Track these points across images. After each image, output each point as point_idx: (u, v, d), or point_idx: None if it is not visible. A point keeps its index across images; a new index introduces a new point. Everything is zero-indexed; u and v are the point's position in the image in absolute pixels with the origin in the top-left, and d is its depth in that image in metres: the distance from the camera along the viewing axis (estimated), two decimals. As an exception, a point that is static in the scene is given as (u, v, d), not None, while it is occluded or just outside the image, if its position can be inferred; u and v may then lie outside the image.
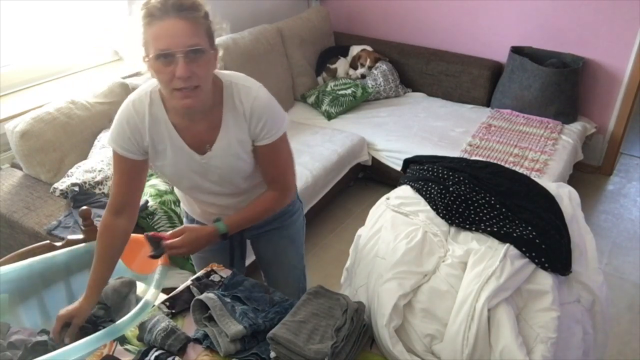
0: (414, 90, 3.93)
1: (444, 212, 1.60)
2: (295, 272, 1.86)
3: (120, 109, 1.41)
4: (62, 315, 1.35)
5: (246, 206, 1.54)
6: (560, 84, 3.35)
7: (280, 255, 1.80)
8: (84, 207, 1.49)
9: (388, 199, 1.74)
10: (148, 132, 1.40)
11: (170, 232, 1.42)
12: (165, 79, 1.26)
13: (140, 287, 1.37)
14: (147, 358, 1.29)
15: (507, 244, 1.46)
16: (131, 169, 1.44)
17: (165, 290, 1.47)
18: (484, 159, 2.90)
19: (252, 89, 1.41)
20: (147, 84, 1.42)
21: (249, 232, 1.70)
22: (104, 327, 1.23)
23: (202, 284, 1.54)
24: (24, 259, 1.40)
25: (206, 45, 1.27)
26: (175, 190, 1.71)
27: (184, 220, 1.81)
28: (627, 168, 3.89)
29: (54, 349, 1.10)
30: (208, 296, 1.39)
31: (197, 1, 1.26)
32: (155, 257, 1.38)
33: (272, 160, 1.49)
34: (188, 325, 1.42)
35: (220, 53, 1.35)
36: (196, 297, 1.41)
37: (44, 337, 1.27)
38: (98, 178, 2.20)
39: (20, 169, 2.42)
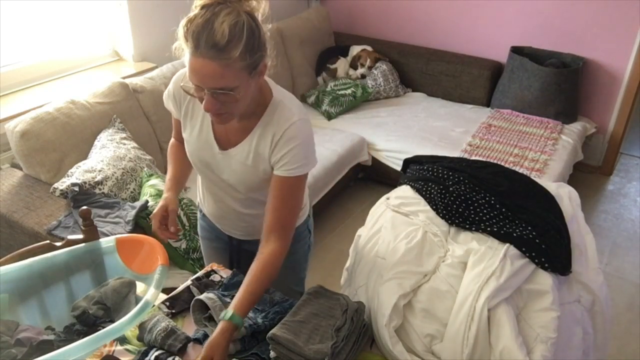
0: (414, 90, 3.93)
1: (444, 212, 1.60)
2: (291, 294, 1.64)
3: (174, 76, 1.48)
4: (157, 213, 1.48)
5: (246, 279, 1.33)
6: (560, 84, 3.35)
7: (278, 280, 1.60)
8: (84, 207, 1.48)
9: (388, 199, 1.74)
10: (186, 104, 1.46)
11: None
12: (199, 98, 1.25)
13: (140, 287, 1.36)
14: (147, 358, 1.29)
15: (507, 244, 1.46)
16: (177, 124, 1.56)
17: (165, 290, 1.47)
18: (484, 159, 2.91)
19: (295, 116, 1.35)
20: None
21: (248, 244, 1.64)
22: (103, 327, 1.23)
23: (202, 284, 1.54)
24: (24, 259, 1.39)
25: (238, 83, 1.20)
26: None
27: (198, 214, 1.81)
28: (627, 168, 3.89)
29: (59, 348, 1.10)
30: (208, 296, 1.39)
31: (232, 41, 1.15)
32: None
33: (282, 195, 1.38)
34: (188, 325, 1.42)
35: (269, 63, 1.29)
36: (196, 297, 1.41)
37: (51, 336, 1.28)
38: (98, 178, 2.20)
39: (20, 169, 2.42)
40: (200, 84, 1.20)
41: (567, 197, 1.72)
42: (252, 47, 1.19)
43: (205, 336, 1.36)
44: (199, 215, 1.81)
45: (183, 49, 1.21)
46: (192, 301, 1.40)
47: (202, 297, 1.39)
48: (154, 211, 1.50)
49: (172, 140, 1.68)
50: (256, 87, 1.30)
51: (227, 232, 1.69)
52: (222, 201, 1.59)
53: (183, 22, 1.18)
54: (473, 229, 1.54)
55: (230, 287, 1.50)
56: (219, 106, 1.23)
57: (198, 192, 1.74)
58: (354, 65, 3.89)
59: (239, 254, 1.74)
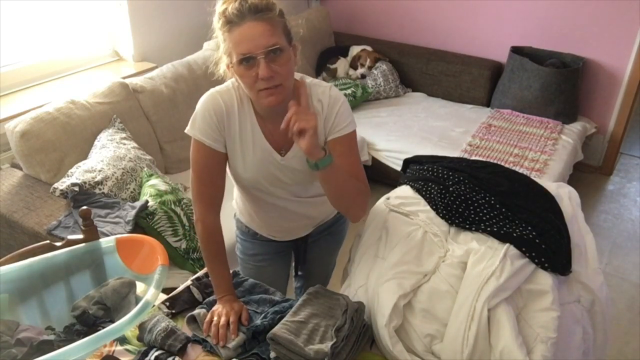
0: (414, 90, 3.92)
1: (444, 212, 1.60)
2: (331, 267, 2.01)
3: (203, 100, 1.43)
4: (234, 320, 1.35)
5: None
6: (560, 84, 3.34)
7: (327, 256, 1.93)
8: (84, 207, 1.48)
9: (388, 199, 1.74)
10: (233, 126, 1.42)
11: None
12: (249, 82, 1.30)
13: (140, 287, 1.36)
14: (147, 358, 1.29)
15: (507, 244, 1.46)
16: (219, 163, 1.45)
17: (165, 290, 1.47)
18: (484, 159, 2.91)
19: (327, 87, 1.47)
20: (230, 81, 1.44)
21: (311, 237, 1.77)
22: (103, 327, 1.23)
23: (202, 283, 1.54)
24: (24, 259, 1.39)
25: (284, 43, 1.30)
26: (238, 200, 1.71)
27: (237, 232, 1.83)
28: (627, 168, 3.89)
29: (59, 348, 1.10)
30: (199, 312, 1.39)
31: (270, 1, 1.29)
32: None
33: (346, 155, 1.44)
34: (188, 326, 1.42)
35: (299, 49, 1.38)
36: (189, 315, 1.40)
37: (51, 336, 1.27)
38: (98, 178, 2.20)
39: (20, 169, 2.42)
40: (253, 48, 1.25)
41: (567, 197, 1.72)
42: (281, 11, 1.31)
43: (205, 339, 1.36)
44: (247, 245, 1.80)
45: (220, 43, 1.31)
46: (186, 317, 1.40)
47: (194, 313, 1.40)
48: (226, 311, 1.38)
49: (205, 219, 1.47)
50: (294, 65, 1.36)
51: (293, 238, 1.74)
52: (284, 209, 1.60)
53: (216, 16, 1.30)
54: (473, 229, 1.54)
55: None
56: (273, 73, 1.27)
57: (241, 223, 1.76)
58: (354, 65, 3.88)
59: (305, 250, 1.81)
